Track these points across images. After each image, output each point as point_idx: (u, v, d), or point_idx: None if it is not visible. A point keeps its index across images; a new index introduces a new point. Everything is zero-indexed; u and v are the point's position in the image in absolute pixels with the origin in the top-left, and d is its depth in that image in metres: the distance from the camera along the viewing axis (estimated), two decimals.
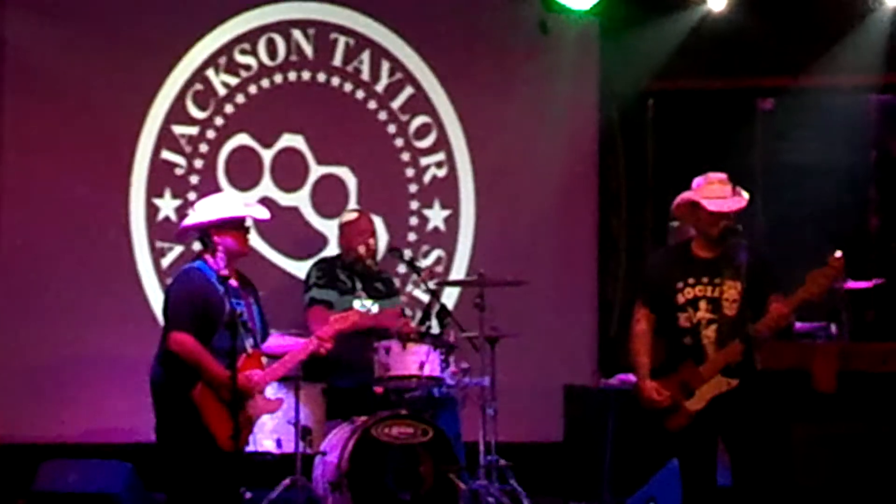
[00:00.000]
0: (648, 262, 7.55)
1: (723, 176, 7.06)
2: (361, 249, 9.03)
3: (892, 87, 10.56)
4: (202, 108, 9.96)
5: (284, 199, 10.01)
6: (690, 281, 6.97)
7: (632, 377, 7.32)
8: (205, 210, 7.28)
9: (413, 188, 10.22)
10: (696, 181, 7.09)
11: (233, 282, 7.20)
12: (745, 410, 6.89)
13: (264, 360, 7.40)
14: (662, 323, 7.04)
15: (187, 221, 7.43)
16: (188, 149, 9.92)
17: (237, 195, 7.66)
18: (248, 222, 7.32)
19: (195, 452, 7.02)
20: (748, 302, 6.89)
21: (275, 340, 7.54)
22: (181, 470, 7.09)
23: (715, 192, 6.99)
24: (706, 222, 6.98)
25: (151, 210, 9.84)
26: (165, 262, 9.80)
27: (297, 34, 10.09)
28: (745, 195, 7.03)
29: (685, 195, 7.08)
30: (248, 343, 7.17)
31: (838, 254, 6.79)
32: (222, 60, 9.98)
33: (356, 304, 8.87)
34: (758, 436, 6.91)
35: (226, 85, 9.99)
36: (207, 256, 7.19)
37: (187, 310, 7.10)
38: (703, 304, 6.95)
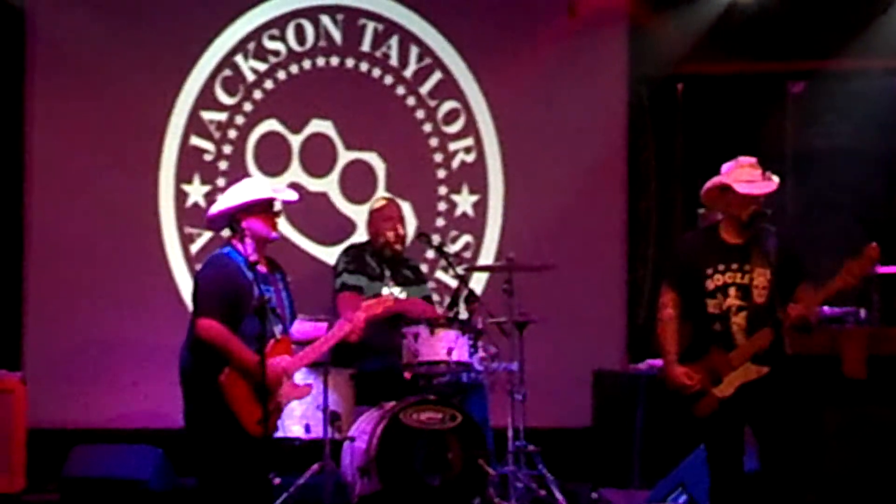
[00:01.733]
0: (676, 245, 7.52)
1: (753, 160, 7.03)
2: (390, 235, 9.03)
3: None
4: (231, 93, 9.98)
5: (313, 184, 10.02)
6: (720, 267, 6.94)
7: (660, 362, 7.29)
8: (232, 195, 7.28)
9: (441, 173, 10.21)
10: (726, 166, 7.07)
11: (262, 267, 7.19)
12: (775, 396, 6.87)
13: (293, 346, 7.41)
14: (690, 308, 7.01)
15: (214, 209, 7.41)
16: (217, 135, 9.94)
17: (265, 180, 7.65)
18: (278, 206, 7.28)
19: (223, 438, 7.02)
20: (777, 289, 6.86)
21: (300, 326, 7.53)
22: (210, 456, 7.09)
23: (745, 176, 6.97)
24: (736, 206, 6.95)
25: (180, 196, 9.87)
26: (194, 247, 9.82)
27: (325, 20, 10.09)
28: (776, 179, 7.00)
29: (714, 180, 7.05)
30: (277, 329, 7.15)
31: (874, 244, 6.77)
32: (251, 46, 10.00)
33: (384, 290, 8.88)
34: (787, 421, 6.89)
35: (254, 71, 10.00)
36: (236, 242, 7.19)
37: (216, 296, 7.07)
38: (732, 291, 6.93)
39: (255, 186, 7.32)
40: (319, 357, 7.54)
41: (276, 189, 7.44)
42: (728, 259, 6.95)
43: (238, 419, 6.98)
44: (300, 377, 7.61)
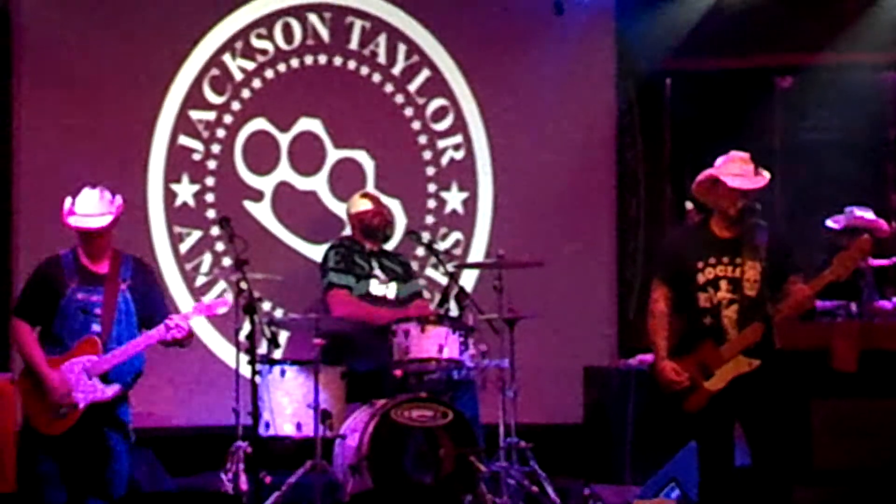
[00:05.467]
0: (666, 240, 7.54)
1: (745, 155, 7.05)
2: (380, 235, 9.08)
3: None
4: (219, 92, 9.96)
5: (302, 183, 10.01)
6: (711, 261, 6.95)
7: (651, 357, 7.29)
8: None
9: (431, 171, 10.20)
10: (720, 160, 7.08)
11: (101, 269, 7.37)
12: (764, 390, 6.88)
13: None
14: (681, 302, 7.02)
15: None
16: (205, 134, 9.92)
17: (93, 196, 7.44)
18: (72, 222, 7.40)
19: (21, 436, 7.42)
20: (767, 282, 6.87)
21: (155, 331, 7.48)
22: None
23: (736, 170, 6.98)
24: (726, 199, 6.96)
25: (169, 196, 9.84)
26: (184, 247, 9.81)
27: (313, 18, 10.08)
28: (767, 175, 7.01)
29: (706, 172, 7.07)
30: (94, 329, 7.30)
31: (866, 236, 6.79)
32: (239, 45, 9.98)
33: (373, 285, 8.89)
34: (776, 415, 6.90)
35: (242, 70, 9.98)
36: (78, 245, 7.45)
37: (27, 296, 7.44)
38: (723, 284, 6.93)
39: (78, 201, 7.45)
40: (127, 358, 7.42)
41: (77, 212, 7.46)
42: (719, 252, 6.96)
43: (29, 418, 7.29)
44: (291, 376, 7.59)
